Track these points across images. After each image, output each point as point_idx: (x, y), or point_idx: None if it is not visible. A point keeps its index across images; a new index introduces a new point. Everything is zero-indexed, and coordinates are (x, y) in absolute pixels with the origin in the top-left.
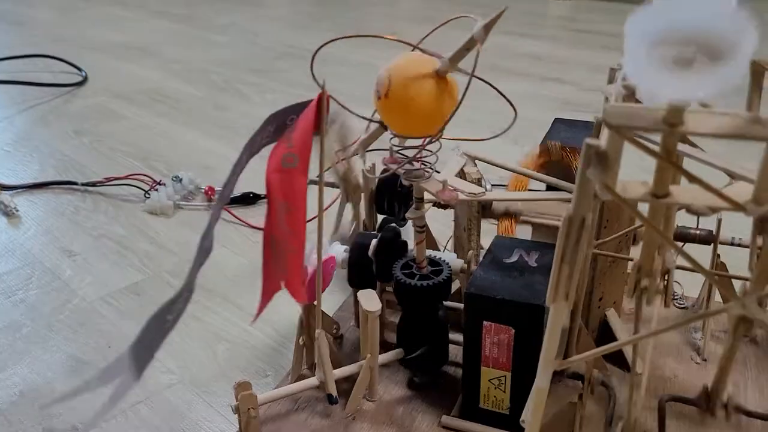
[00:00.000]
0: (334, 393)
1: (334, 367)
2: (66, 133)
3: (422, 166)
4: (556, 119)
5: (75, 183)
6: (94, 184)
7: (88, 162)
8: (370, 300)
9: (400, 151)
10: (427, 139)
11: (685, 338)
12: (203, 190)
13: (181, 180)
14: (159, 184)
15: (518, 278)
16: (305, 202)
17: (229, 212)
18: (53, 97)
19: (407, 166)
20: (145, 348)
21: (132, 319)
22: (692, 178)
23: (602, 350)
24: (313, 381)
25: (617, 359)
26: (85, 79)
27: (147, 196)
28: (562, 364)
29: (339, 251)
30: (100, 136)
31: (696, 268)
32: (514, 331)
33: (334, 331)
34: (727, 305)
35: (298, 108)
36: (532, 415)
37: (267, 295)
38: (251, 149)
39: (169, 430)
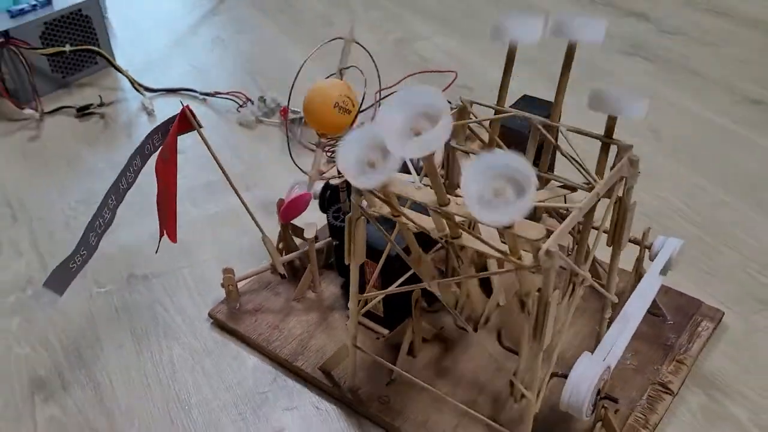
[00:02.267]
0: (282, 271)
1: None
2: (205, 42)
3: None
4: (525, 95)
5: (195, 91)
6: (207, 95)
7: (213, 72)
8: (310, 229)
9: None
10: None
11: None
12: (279, 110)
13: (265, 100)
14: (249, 101)
15: (388, 230)
16: (175, 182)
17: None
18: (209, 2)
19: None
20: (61, 279)
21: (203, 211)
22: (397, 211)
23: (386, 291)
24: (266, 265)
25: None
26: None
27: (238, 111)
28: (360, 297)
29: (318, 187)
30: (229, 47)
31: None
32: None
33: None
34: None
35: (172, 120)
36: (350, 324)
37: (161, 236)
38: (143, 154)
39: (197, 289)
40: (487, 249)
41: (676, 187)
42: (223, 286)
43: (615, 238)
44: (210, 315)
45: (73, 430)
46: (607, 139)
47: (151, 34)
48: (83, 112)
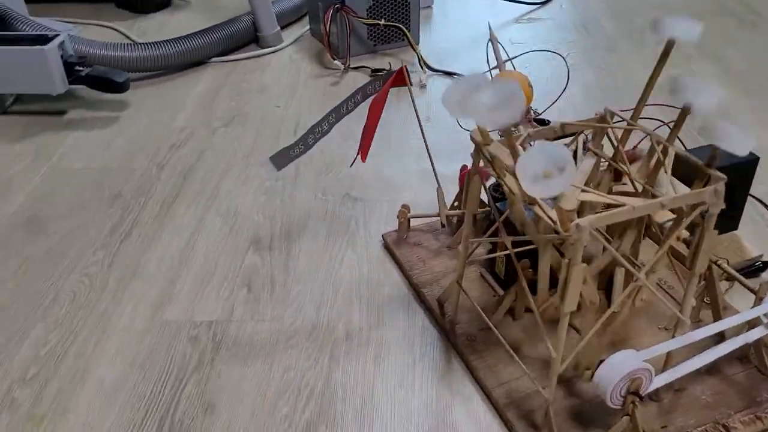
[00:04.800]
0: (443, 221)
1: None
2: None
3: None
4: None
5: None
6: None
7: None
8: None
9: None
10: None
11: None
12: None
13: None
14: None
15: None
16: (378, 118)
17: None
18: (517, 12)
19: None
20: (281, 159)
21: (418, 167)
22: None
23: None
24: (434, 213)
25: None
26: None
27: None
28: (470, 242)
29: None
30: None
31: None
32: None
33: None
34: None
35: (392, 73)
36: (458, 264)
37: (357, 155)
38: (364, 93)
39: (385, 218)
40: (542, 214)
41: None
42: (397, 217)
43: (692, 262)
44: (383, 236)
45: (262, 271)
46: (704, 167)
47: (458, 27)
48: (375, 74)
